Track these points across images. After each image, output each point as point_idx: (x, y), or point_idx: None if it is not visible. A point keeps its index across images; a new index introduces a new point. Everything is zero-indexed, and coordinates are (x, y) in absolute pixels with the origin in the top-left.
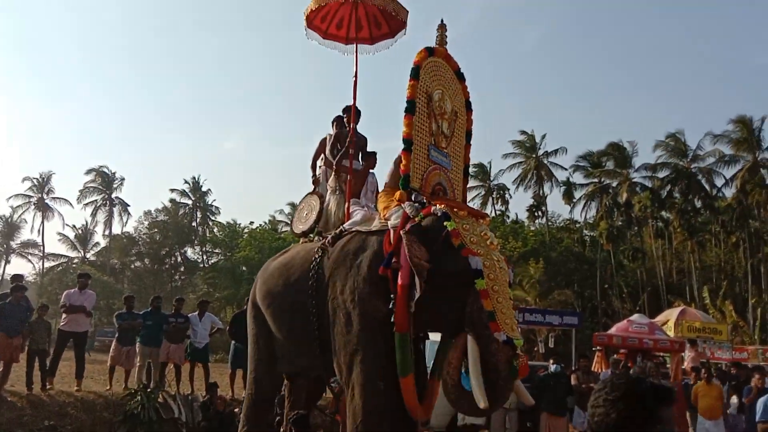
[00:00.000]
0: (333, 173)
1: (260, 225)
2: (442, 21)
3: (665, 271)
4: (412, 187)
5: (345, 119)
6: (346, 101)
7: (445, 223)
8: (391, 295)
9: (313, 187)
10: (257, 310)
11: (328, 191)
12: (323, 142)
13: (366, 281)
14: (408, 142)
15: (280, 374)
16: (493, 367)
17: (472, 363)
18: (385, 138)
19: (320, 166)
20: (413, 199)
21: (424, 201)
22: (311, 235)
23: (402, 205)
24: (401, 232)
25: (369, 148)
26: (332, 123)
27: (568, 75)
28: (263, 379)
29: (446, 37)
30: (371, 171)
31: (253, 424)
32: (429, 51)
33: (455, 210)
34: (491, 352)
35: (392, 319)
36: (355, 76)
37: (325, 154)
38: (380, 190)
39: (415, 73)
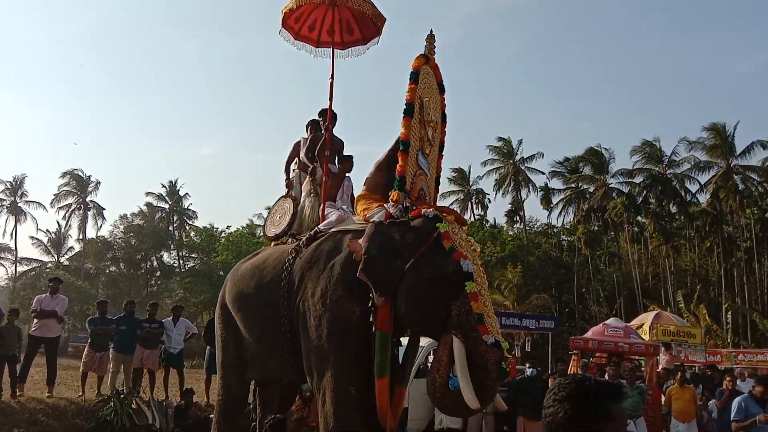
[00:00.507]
0: (308, 177)
1: (238, 229)
2: (431, 32)
3: (641, 276)
4: (405, 189)
5: (321, 122)
6: (322, 105)
7: (437, 225)
8: (371, 294)
9: (286, 190)
10: (227, 313)
11: (303, 194)
12: (297, 146)
13: (339, 283)
14: (406, 144)
15: (250, 379)
16: (483, 367)
17: (459, 365)
18: (360, 142)
19: (294, 170)
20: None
21: (408, 205)
22: (284, 238)
23: (385, 205)
24: (369, 220)
25: (345, 152)
26: (306, 126)
27: (547, 83)
28: (233, 384)
29: (434, 47)
30: (347, 174)
31: (225, 430)
32: (425, 59)
33: (444, 214)
34: (480, 354)
35: (371, 319)
36: (332, 78)
37: (299, 158)
38: (356, 194)
39: (415, 78)
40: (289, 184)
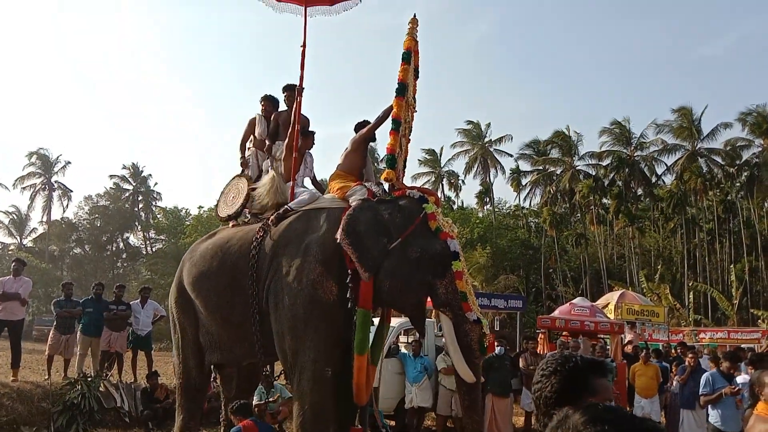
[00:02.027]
0: (268, 156)
1: (206, 210)
2: (414, 16)
3: (606, 256)
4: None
5: (285, 98)
6: (293, 75)
7: (423, 206)
8: (349, 271)
9: (241, 169)
10: (184, 296)
11: (264, 173)
12: (252, 123)
13: (317, 261)
14: (397, 123)
15: (211, 364)
16: (467, 346)
17: (449, 341)
18: (326, 123)
19: (249, 148)
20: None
21: (391, 185)
22: (240, 219)
23: (365, 184)
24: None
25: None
26: (260, 101)
27: (517, 65)
28: (192, 368)
29: (417, 32)
30: (309, 151)
31: (188, 413)
32: (415, 41)
33: (426, 195)
34: (465, 332)
35: (347, 296)
36: (303, 45)
37: (254, 135)
38: (314, 167)
39: (408, 58)
40: (244, 163)
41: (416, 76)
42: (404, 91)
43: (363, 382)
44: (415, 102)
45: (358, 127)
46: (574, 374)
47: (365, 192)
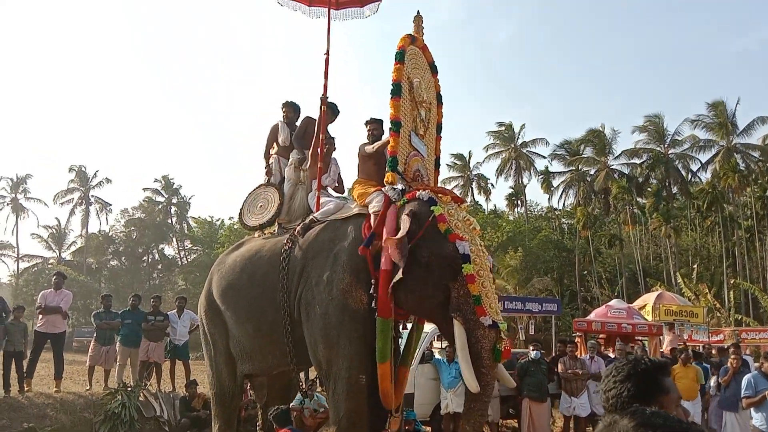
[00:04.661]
0: (290, 164)
1: (237, 221)
2: (418, 12)
3: (642, 257)
4: (398, 170)
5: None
6: (320, 81)
7: (432, 208)
8: (372, 281)
9: (266, 177)
10: (214, 307)
11: (288, 182)
12: (275, 130)
13: (346, 270)
14: (397, 124)
15: (243, 374)
16: (476, 354)
17: (459, 348)
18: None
19: (272, 155)
20: (392, 182)
21: (404, 187)
22: (270, 229)
23: (382, 189)
24: (404, 214)
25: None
26: (282, 108)
27: (547, 65)
28: (225, 379)
29: (422, 28)
30: (333, 156)
31: (224, 422)
32: (411, 39)
33: (439, 195)
34: (477, 339)
35: (373, 305)
36: (327, 53)
37: (277, 143)
38: (340, 173)
39: (401, 57)
40: (268, 172)
41: (434, 72)
42: (399, 91)
43: (388, 389)
44: (440, 98)
45: (370, 122)
46: (647, 376)
47: (382, 198)
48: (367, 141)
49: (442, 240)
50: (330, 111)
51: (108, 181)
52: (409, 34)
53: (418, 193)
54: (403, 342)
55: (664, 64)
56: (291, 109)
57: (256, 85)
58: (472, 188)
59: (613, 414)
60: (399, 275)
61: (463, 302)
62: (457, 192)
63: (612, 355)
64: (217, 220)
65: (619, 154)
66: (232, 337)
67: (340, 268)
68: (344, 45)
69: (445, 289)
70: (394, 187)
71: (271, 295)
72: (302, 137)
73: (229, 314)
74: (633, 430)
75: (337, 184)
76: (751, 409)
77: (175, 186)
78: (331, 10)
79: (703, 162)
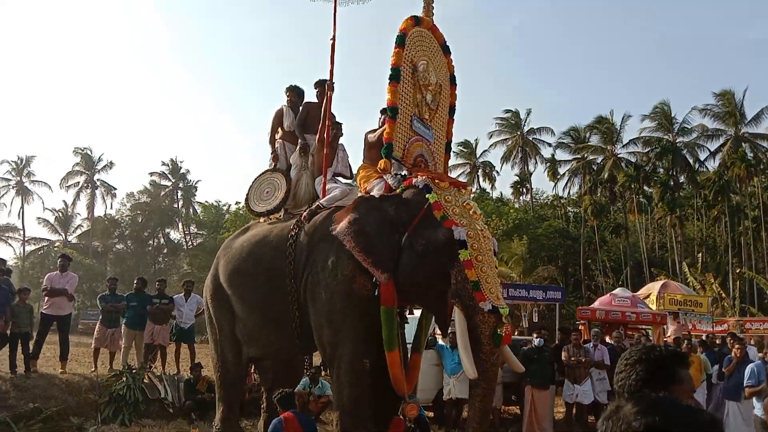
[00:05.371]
0: (297, 149)
1: (243, 206)
2: None
3: (647, 246)
4: (394, 156)
5: (317, 93)
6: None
7: (426, 195)
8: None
9: (273, 163)
10: (220, 291)
11: (294, 168)
12: (279, 114)
13: (350, 257)
14: (393, 110)
15: (248, 357)
16: (476, 339)
17: (459, 334)
18: (355, 116)
19: (277, 140)
20: (394, 169)
21: (405, 173)
22: (278, 214)
23: (384, 176)
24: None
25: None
26: (286, 92)
27: (555, 54)
28: (230, 362)
29: (432, 8)
30: (341, 142)
31: (228, 405)
32: (415, 20)
33: (437, 181)
34: (476, 324)
35: (376, 293)
36: (333, 38)
37: (282, 128)
38: (349, 160)
39: (401, 41)
40: (275, 157)
41: (447, 53)
42: (397, 76)
43: (399, 376)
44: (454, 79)
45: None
46: (660, 363)
47: (383, 185)
48: (377, 128)
49: (437, 227)
50: (295, 94)
51: (112, 164)
52: (414, 16)
53: (414, 180)
54: (413, 328)
55: (673, 53)
56: (294, 93)
57: (264, 69)
58: (478, 176)
59: (620, 398)
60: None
61: (461, 288)
62: (463, 179)
63: (612, 342)
64: (224, 205)
65: (627, 143)
66: (238, 321)
67: (345, 255)
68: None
69: (445, 276)
70: (396, 174)
71: (278, 280)
72: (303, 124)
73: (236, 298)
74: (634, 416)
75: (345, 170)
76: (754, 398)
77: (182, 171)
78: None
79: (712, 151)
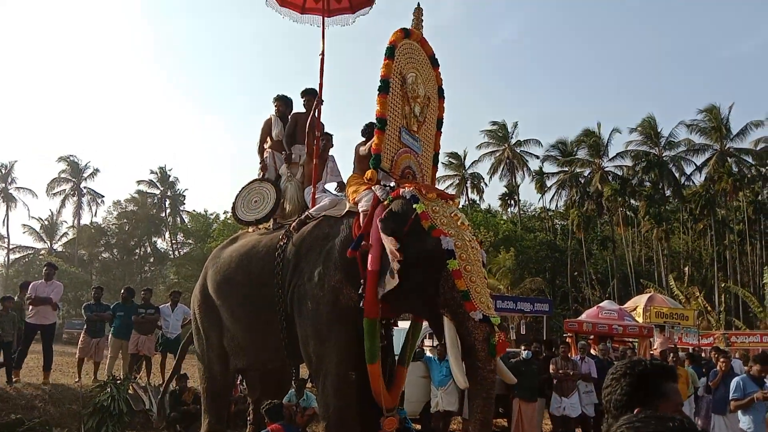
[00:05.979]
0: (284, 161)
1: (231, 216)
2: (418, 5)
3: (634, 259)
4: (382, 168)
5: (304, 102)
6: (320, 79)
7: (414, 206)
8: (361, 281)
9: (261, 173)
10: (208, 302)
11: (283, 178)
12: (268, 124)
13: (337, 268)
14: (382, 121)
15: (236, 368)
16: (469, 347)
17: (449, 344)
18: (344, 126)
19: (266, 150)
20: (382, 180)
21: (393, 184)
22: (267, 225)
23: (372, 188)
24: (377, 220)
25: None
26: (273, 102)
27: (543, 66)
28: (217, 373)
29: (422, 21)
30: (330, 154)
31: (214, 416)
32: (405, 32)
33: (424, 192)
34: (468, 331)
35: (361, 305)
36: (322, 54)
37: (270, 137)
38: (339, 171)
39: (390, 53)
40: (264, 167)
41: (436, 65)
42: (386, 88)
43: (379, 389)
44: (442, 92)
45: (366, 129)
46: (645, 378)
47: (371, 197)
48: (367, 140)
49: (426, 237)
50: (283, 103)
51: (97, 171)
52: (403, 28)
53: (401, 191)
54: (400, 341)
55: (659, 68)
56: (283, 103)
57: (254, 78)
58: (466, 187)
59: (608, 414)
60: (394, 283)
61: (450, 298)
62: (451, 191)
63: (598, 355)
64: (212, 215)
65: (614, 156)
66: (226, 331)
67: (332, 265)
68: (343, 40)
69: (435, 286)
70: (384, 185)
71: (267, 291)
72: (292, 134)
73: (224, 309)
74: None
75: (335, 180)
76: (739, 411)
77: (171, 179)
78: (318, 17)
79: (698, 165)
